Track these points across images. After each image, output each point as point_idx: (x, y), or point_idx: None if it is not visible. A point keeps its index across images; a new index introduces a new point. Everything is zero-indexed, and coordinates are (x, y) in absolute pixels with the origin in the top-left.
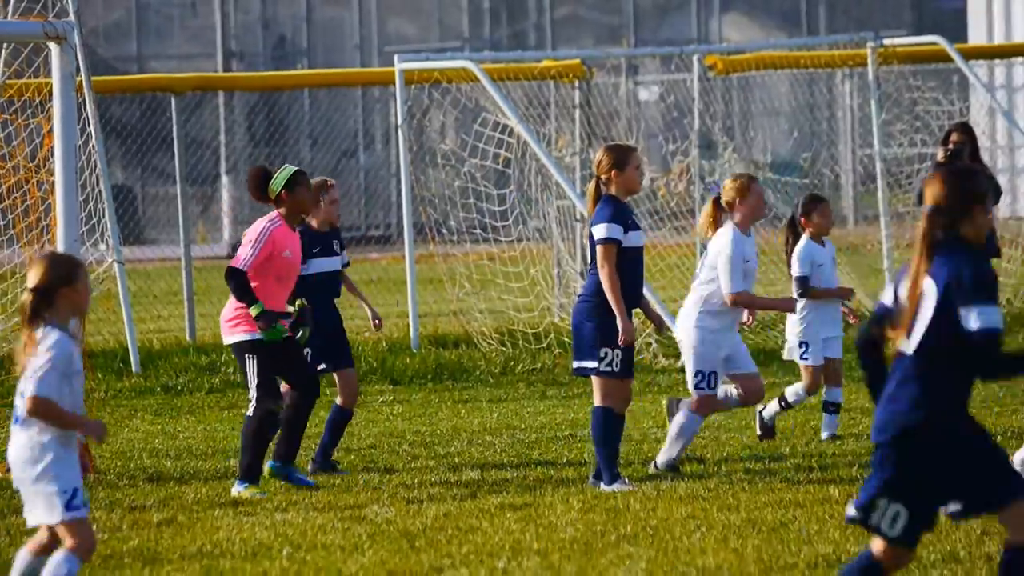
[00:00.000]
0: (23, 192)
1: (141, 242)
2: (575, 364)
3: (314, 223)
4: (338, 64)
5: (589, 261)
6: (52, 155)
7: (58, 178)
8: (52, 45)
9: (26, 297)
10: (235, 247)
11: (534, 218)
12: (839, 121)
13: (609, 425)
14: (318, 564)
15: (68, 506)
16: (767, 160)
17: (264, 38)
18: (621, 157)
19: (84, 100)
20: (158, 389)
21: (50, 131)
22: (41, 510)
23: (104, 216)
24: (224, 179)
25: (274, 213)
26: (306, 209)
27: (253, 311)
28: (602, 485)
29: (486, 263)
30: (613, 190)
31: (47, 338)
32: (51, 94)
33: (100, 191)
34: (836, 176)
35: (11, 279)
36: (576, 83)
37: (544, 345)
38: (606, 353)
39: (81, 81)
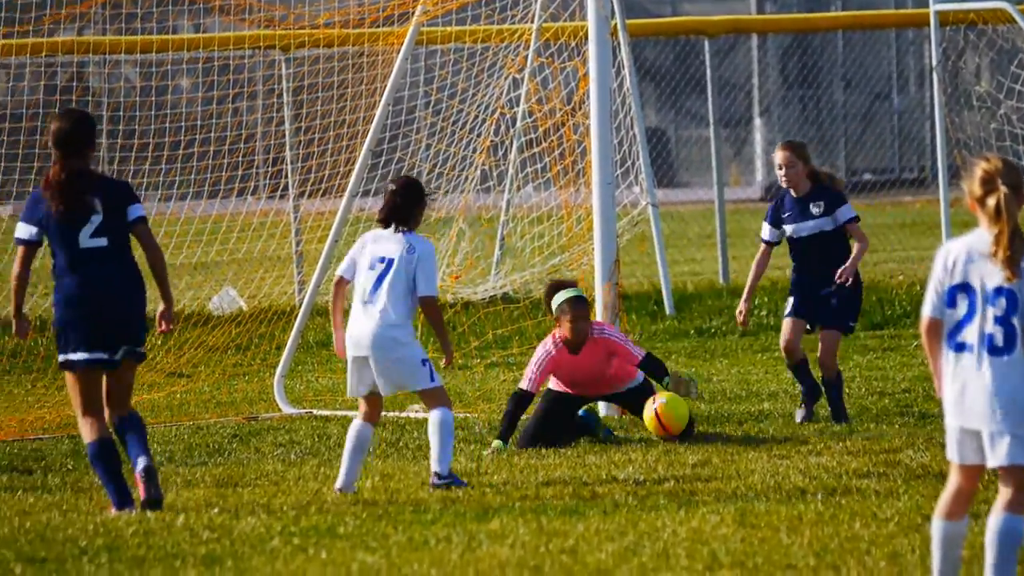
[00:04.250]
0: (559, 135)
1: (674, 185)
2: None
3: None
4: (872, 5)
5: None
6: (587, 98)
7: (593, 121)
8: None
9: None
10: (768, 189)
11: None
12: None
13: None
14: (852, 508)
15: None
16: None
17: None
18: None
19: (618, 43)
20: (691, 332)
21: (585, 74)
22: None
23: (638, 159)
24: (757, 121)
25: None
26: None
27: None
28: None
29: None
30: None
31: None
32: (586, 37)
33: (634, 134)
34: None
35: (547, 222)
36: None
37: None
38: None
39: (616, 24)
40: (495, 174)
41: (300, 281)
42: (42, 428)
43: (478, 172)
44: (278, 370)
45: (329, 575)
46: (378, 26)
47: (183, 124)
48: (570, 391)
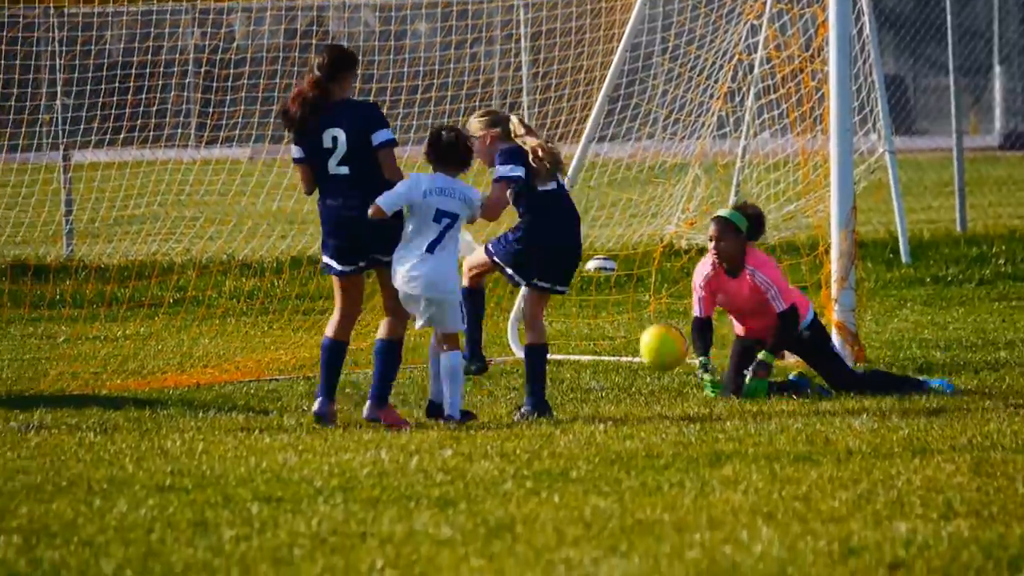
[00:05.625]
0: (797, 82)
1: (912, 132)
2: None
3: None
4: None
5: None
6: (826, 44)
7: (831, 68)
8: None
9: None
10: (1007, 137)
11: None
12: None
13: None
14: None
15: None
16: None
17: None
18: None
19: None
20: (927, 279)
21: (824, 20)
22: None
23: (876, 106)
24: (997, 69)
25: None
26: None
27: None
28: None
29: None
30: None
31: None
32: None
33: (872, 81)
34: None
35: (783, 168)
36: None
37: None
38: None
39: None
40: (731, 120)
41: None
42: (278, 369)
43: (715, 118)
44: (512, 314)
45: (562, 519)
46: None
47: (421, 69)
48: (747, 333)
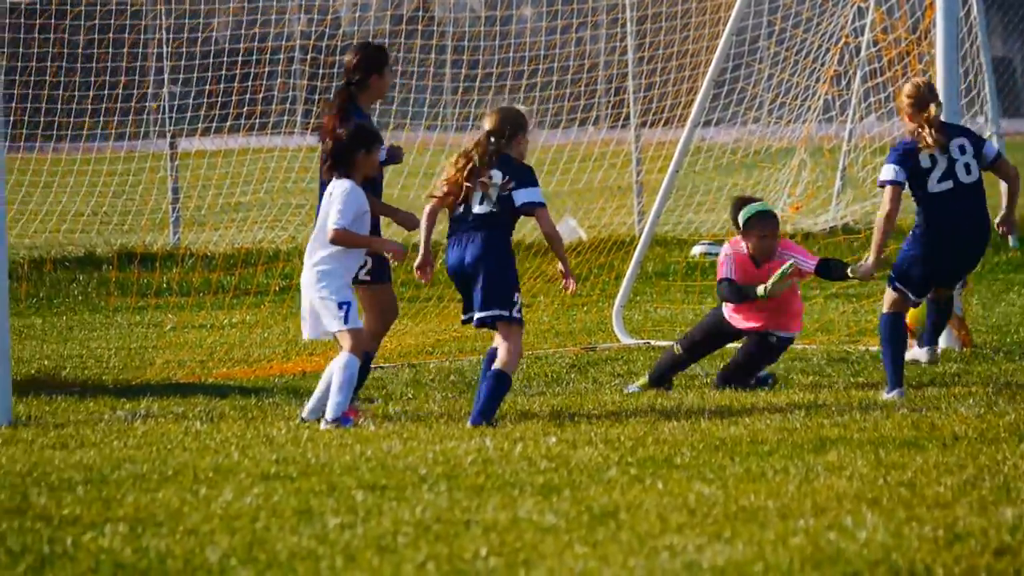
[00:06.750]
0: (903, 64)
1: (1020, 115)
2: None
3: None
4: None
5: None
6: (933, 27)
7: (939, 50)
8: None
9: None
10: None
11: None
12: None
13: None
14: None
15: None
16: None
17: None
18: None
19: None
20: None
21: (932, 3)
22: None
23: (984, 88)
24: None
25: None
26: None
27: None
28: None
29: None
30: None
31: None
32: None
33: (980, 63)
34: None
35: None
36: None
37: None
38: None
39: None
40: (838, 104)
41: (640, 211)
42: (383, 357)
43: (821, 102)
44: (616, 300)
45: (666, 505)
46: None
47: (526, 54)
48: (754, 323)
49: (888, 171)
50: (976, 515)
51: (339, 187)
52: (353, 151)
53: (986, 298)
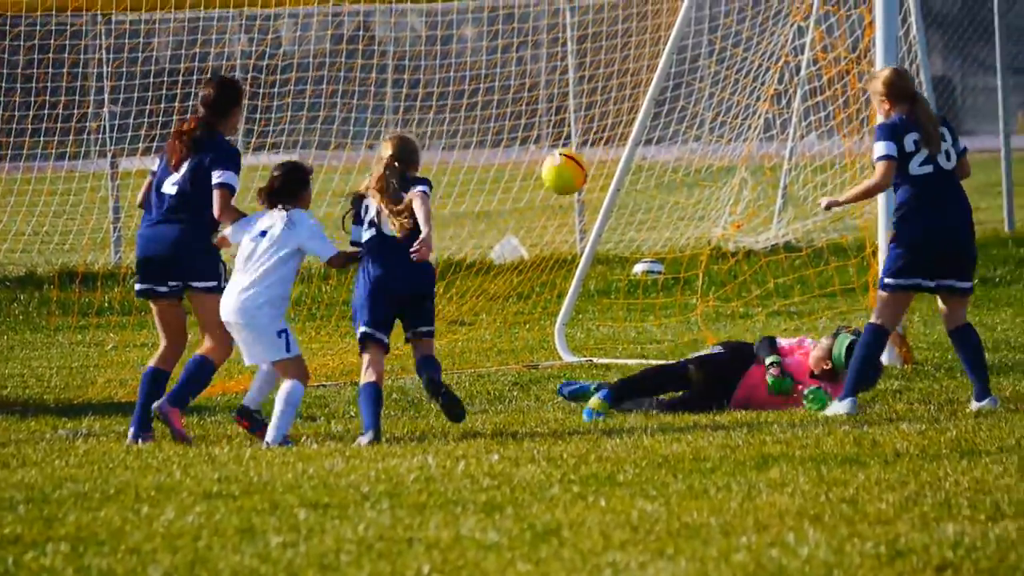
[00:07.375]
0: (843, 83)
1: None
2: None
3: None
4: None
5: None
6: (873, 46)
7: (878, 68)
8: None
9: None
10: None
11: None
12: None
13: None
14: None
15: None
16: None
17: None
18: None
19: None
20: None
21: (871, 22)
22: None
23: None
24: None
25: None
26: None
27: None
28: None
29: None
30: None
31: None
32: None
33: (920, 82)
34: None
35: (830, 170)
36: None
37: None
38: None
39: None
40: (778, 123)
41: (582, 229)
42: (325, 375)
43: (761, 120)
44: (559, 318)
45: (609, 522)
46: None
47: (467, 73)
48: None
49: (882, 147)
50: (918, 531)
51: (297, 218)
52: (304, 184)
53: (927, 315)
